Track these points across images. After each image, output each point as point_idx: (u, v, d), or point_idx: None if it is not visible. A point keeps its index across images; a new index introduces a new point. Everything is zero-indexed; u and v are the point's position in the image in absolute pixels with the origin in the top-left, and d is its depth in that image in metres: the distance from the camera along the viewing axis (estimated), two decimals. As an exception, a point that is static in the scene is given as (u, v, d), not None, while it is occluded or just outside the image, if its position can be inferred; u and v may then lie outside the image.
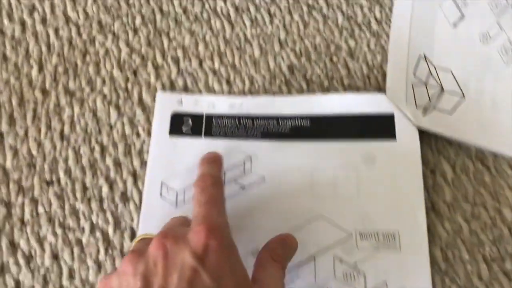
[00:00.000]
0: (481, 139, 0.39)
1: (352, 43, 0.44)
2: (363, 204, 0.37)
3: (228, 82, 0.43)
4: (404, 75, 0.41)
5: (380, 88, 0.42)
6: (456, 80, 0.41)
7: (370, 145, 0.39)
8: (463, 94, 0.41)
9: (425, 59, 0.42)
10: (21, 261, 0.36)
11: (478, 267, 0.36)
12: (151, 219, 0.37)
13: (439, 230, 0.37)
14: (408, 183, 0.37)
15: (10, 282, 0.36)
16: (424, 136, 0.39)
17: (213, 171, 0.34)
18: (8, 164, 0.40)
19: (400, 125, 0.39)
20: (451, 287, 0.35)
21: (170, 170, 0.39)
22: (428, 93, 0.41)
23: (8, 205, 0.38)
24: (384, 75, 0.42)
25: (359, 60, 0.43)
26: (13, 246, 0.37)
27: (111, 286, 0.28)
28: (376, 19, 0.45)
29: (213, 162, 0.35)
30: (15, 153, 0.40)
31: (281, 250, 0.32)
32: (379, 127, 0.39)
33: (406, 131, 0.39)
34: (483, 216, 0.37)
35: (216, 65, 0.43)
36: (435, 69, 0.42)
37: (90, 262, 0.36)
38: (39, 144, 0.41)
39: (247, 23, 0.45)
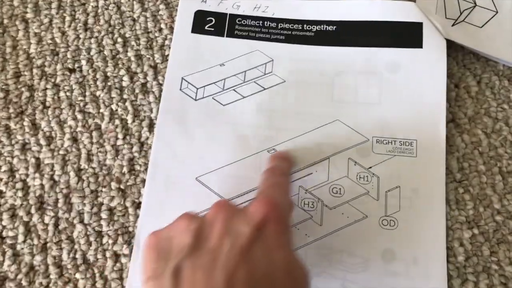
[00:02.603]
0: (510, 55, 0.38)
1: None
2: (383, 112, 0.36)
3: (254, -17, 0.42)
4: (436, -16, 0.40)
5: (411, -2, 0.40)
6: (491, -5, 0.40)
7: (396, 52, 0.38)
8: (496, 9, 0.39)
9: (461, -30, 0.40)
10: (42, 141, 0.37)
11: (493, 179, 0.35)
12: (170, 111, 0.37)
13: (457, 141, 0.36)
14: (431, 93, 0.37)
15: (31, 159, 0.37)
16: (452, 49, 0.38)
17: (283, 165, 0.34)
18: (32, 50, 0.40)
19: (428, 34, 0.38)
20: (464, 196, 0.35)
21: (191, 66, 0.39)
22: (459, 5, 0.39)
23: (31, 89, 0.39)
24: (416, -14, 0.41)
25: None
26: (35, 127, 0.38)
27: (160, 240, 0.26)
28: None
29: (285, 159, 0.34)
30: (39, 40, 0.40)
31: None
32: (406, 35, 0.38)
33: (434, 40, 0.38)
34: (504, 131, 0.37)
35: (244, -34, 0.42)
36: (470, -19, 0.40)
37: (108, 147, 0.37)
38: (63, 33, 0.41)
39: None
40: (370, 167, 0.35)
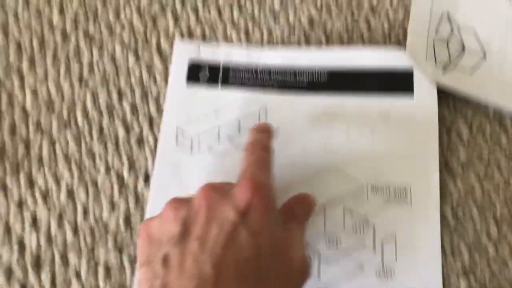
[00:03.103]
0: (500, 100, 0.38)
1: (374, -2, 0.43)
2: (377, 159, 0.37)
3: (246, 33, 0.42)
4: (425, 32, 0.41)
5: (400, 45, 0.41)
6: (479, 40, 0.40)
7: (387, 100, 0.38)
8: (484, 54, 0.40)
9: (448, 16, 0.41)
10: (38, 198, 0.37)
11: (487, 227, 0.36)
12: (166, 163, 0.38)
13: (451, 188, 0.37)
14: (423, 140, 0.37)
15: (28, 216, 0.37)
16: (442, 94, 0.39)
17: (263, 138, 0.34)
18: (28, 104, 0.40)
19: (419, 81, 0.39)
20: (460, 244, 0.35)
21: (186, 116, 0.39)
22: (449, 52, 0.40)
23: (27, 144, 0.39)
24: (405, 33, 0.42)
25: (380, 16, 0.43)
26: (31, 183, 0.38)
27: (152, 229, 0.28)
28: (400, -26, 0.44)
29: (265, 131, 0.35)
30: (35, 93, 0.41)
31: (300, 209, 0.32)
32: (397, 83, 0.39)
33: (424, 88, 0.38)
34: (496, 177, 0.37)
35: (235, 15, 0.43)
36: (458, 27, 0.41)
37: (104, 202, 0.37)
38: (58, 86, 0.41)
39: (269, -27, 0.44)
40: (366, 218, 0.35)
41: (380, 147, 0.37)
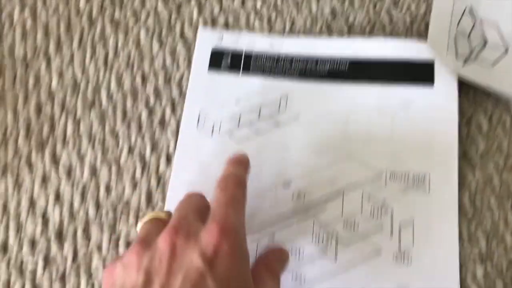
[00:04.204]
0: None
1: (396, -9, 0.44)
2: (396, 147, 0.37)
3: (269, 21, 0.43)
4: (447, 24, 0.41)
5: (422, 38, 0.41)
6: (501, 34, 0.41)
7: (408, 90, 0.39)
8: (506, 49, 0.40)
9: (471, 10, 0.41)
10: (62, 174, 0.38)
11: (505, 215, 0.36)
12: (187, 145, 0.38)
13: (469, 178, 0.37)
14: (443, 130, 0.37)
15: (52, 191, 0.38)
16: (463, 87, 0.39)
17: (238, 171, 0.32)
18: (54, 85, 0.41)
19: (439, 73, 0.39)
20: (477, 232, 0.35)
21: (208, 102, 0.40)
22: (470, 45, 0.40)
23: (52, 122, 0.40)
24: (426, 26, 0.42)
25: (402, 9, 0.43)
26: (55, 160, 0.39)
27: (115, 277, 0.26)
28: (423, -32, 0.44)
29: (240, 163, 0.33)
30: (61, 75, 0.42)
31: (276, 263, 0.31)
32: (417, 73, 0.39)
33: (445, 79, 0.39)
34: (515, 168, 0.37)
35: (258, 4, 0.44)
36: (481, 21, 0.41)
37: (126, 180, 0.38)
38: (84, 68, 0.42)
39: (293, -35, 0.45)
40: (384, 203, 0.36)
41: (400, 136, 0.38)
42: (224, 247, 0.26)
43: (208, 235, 0.26)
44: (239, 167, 0.33)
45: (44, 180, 0.38)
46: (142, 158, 0.39)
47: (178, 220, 0.28)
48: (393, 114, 0.38)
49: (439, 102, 0.38)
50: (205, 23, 0.43)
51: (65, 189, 0.38)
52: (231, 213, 0.28)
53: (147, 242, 0.27)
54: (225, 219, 0.27)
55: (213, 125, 0.39)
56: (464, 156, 0.38)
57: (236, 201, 0.29)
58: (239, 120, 0.39)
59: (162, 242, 0.26)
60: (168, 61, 0.42)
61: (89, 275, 0.36)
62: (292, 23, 0.43)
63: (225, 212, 0.28)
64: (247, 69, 0.41)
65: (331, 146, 0.38)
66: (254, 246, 0.35)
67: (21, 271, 0.36)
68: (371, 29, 0.43)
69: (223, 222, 0.27)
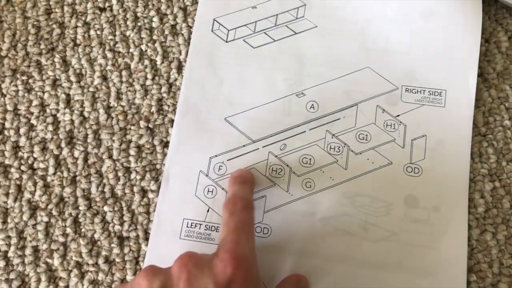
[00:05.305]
0: (544, 11, 0.37)
1: None
2: (414, 61, 0.36)
3: None
4: None
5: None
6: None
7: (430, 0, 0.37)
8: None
9: None
10: (72, 78, 0.38)
11: (518, 134, 0.36)
12: (200, 52, 0.38)
13: (484, 96, 0.37)
14: (464, 45, 0.36)
15: (62, 95, 0.37)
16: (485, 3, 0.38)
17: (244, 193, 0.31)
18: (63, -12, 0.40)
19: (462, -14, 0.37)
20: (488, 149, 0.35)
21: (223, 8, 0.39)
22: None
23: (62, 26, 0.39)
24: None
25: None
26: (65, 64, 0.38)
27: None
28: None
29: (245, 182, 0.33)
30: (70, -22, 0.40)
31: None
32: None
33: (468, -7, 0.37)
34: (532, 87, 0.37)
35: None
36: None
37: (137, 86, 0.37)
38: (93, -28, 0.40)
39: None
40: (398, 115, 0.35)
41: (419, 49, 0.37)
42: (238, 277, 0.26)
43: (221, 265, 0.26)
44: (245, 187, 0.32)
45: (54, 83, 0.38)
46: (154, 65, 0.38)
47: (187, 254, 0.27)
48: (413, 26, 0.37)
49: (462, 14, 0.37)
50: None
51: (76, 93, 0.38)
52: (242, 240, 0.28)
53: (157, 269, 0.27)
54: (236, 247, 0.27)
55: (227, 32, 0.38)
56: (480, 74, 0.37)
57: (245, 226, 0.29)
58: (255, 26, 0.38)
59: (177, 268, 0.26)
60: (181, -33, 0.40)
61: (101, 179, 0.36)
62: None
63: (236, 240, 0.28)
64: (264, -25, 0.40)
65: (348, 57, 0.37)
66: (266, 154, 0.35)
67: (33, 171, 0.36)
68: None
69: (234, 250, 0.27)
